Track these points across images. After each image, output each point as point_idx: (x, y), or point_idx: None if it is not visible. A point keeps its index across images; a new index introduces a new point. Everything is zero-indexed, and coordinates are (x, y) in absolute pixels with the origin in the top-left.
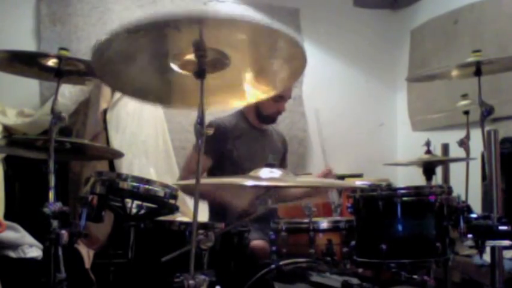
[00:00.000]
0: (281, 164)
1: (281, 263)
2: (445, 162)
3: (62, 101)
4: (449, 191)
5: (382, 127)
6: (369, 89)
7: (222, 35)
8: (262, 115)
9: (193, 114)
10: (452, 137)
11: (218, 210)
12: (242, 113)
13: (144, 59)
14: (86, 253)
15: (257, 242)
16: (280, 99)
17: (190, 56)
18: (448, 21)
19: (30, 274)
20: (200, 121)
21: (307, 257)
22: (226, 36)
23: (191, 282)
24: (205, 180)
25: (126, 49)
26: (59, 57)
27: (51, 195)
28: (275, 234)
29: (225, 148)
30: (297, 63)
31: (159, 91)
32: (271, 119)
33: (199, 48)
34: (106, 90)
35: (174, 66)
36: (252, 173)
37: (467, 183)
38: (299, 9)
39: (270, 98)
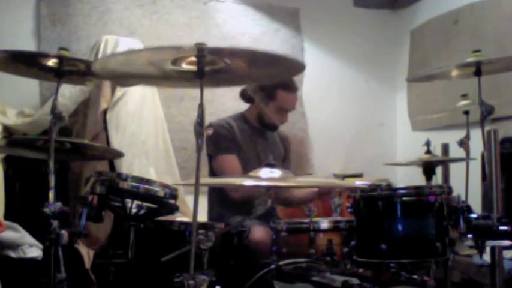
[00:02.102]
0: (283, 165)
1: (281, 263)
2: (445, 162)
3: (62, 101)
4: (449, 191)
5: (382, 127)
6: (369, 89)
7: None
8: (264, 123)
9: (193, 114)
10: (452, 137)
11: (218, 211)
12: (243, 116)
13: (144, 63)
14: (86, 253)
15: (258, 233)
16: (283, 111)
17: (191, 58)
18: (448, 21)
19: (30, 274)
20: (200, 121)
21: (307, 257)
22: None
23: (191, 282)
24: (206, 181)
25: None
26: (59, 57)
27: (51, 195)
28: (275, 234)
29: (239, 147)
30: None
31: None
32: (273, 127)
33: (200, 52)
34: (106, 90)
35: (174, 66)
36: (252, 173)
37: (467, 183)
38: (299, 9)
39: (274, 109)
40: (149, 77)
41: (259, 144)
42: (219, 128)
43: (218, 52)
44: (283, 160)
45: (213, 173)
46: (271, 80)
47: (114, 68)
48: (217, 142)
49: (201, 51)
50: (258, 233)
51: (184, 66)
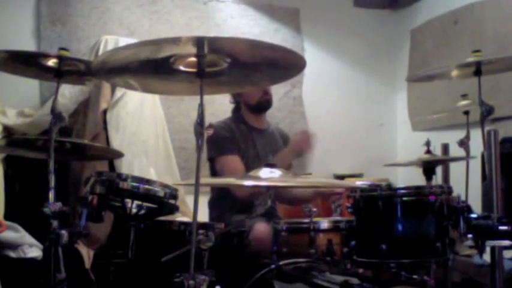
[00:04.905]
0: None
1: (281, 263)
2: (445, 162)
3: (62, 101)
4: (449, 191)
5: (382, 127)
6: (369, 89)
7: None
8: (252, 106)
9: (193, 114)
10: (452, 137)
11: (219, 211)
12: (240, 116)
13: (143, 63)
14: (86, 253)
15: (260, 229)
16: None
17: (191, 58)
18: (448, 21)
19: (30, 274)
20: (200, 121)
21: (307, 257)
22: (225, 47)
23: (191, 282)
24: (205, 180)
25: (125, 57)
26: (59, 57)
27: (51, 195)
28: (275, 234)
29: (240, 147)
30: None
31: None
32: (264, 104)
33: (199, 51)
34: (106, 90)
35: (173, 66)
36: (252, 173)
37: (467, 183)
38: (299, 9)
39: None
40: (147, 81)
41: (259, 143)
42: (220, 129)
43: (217, 45)
44: None
45: (215, 175)
46: (271, 83)
47: (113, 67)
48: (218, 144)
49: (200, 42)
50: (260, 228)
51: (184, 68)
